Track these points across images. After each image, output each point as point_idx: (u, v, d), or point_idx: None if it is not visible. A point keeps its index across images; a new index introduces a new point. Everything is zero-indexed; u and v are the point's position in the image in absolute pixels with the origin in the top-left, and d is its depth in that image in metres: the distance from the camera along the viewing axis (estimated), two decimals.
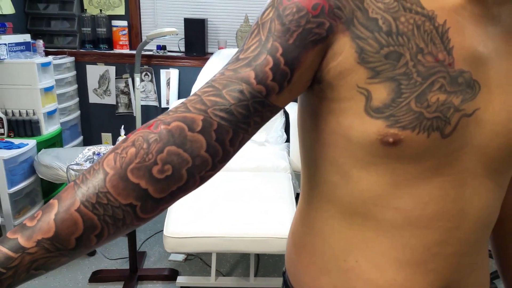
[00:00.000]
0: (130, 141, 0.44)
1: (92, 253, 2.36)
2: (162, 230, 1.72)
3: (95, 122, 3.26)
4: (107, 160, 0.43)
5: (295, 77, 0.48)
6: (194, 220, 1.72)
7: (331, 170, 0.55)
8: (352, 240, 0.55)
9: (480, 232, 0.54)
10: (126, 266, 2.24)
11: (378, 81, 0.47)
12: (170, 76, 3.09)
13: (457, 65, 0.48)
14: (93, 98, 3.19)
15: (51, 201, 0.43)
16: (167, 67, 3.09)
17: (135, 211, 0.43)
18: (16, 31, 2.73)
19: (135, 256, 2.13)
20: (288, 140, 2.71)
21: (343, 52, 0.48)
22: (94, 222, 0.42)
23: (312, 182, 0.59)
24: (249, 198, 1.92)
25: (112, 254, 2.38)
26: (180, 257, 2.36)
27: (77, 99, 3.12)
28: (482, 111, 0.50)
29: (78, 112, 3.15)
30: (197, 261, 2.36)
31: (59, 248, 0.41)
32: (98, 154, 2.16)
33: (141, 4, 3.06)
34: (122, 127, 2.27)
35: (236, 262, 2.36)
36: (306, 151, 0.59)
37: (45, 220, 0.41)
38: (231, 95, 0.46)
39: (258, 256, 2.37)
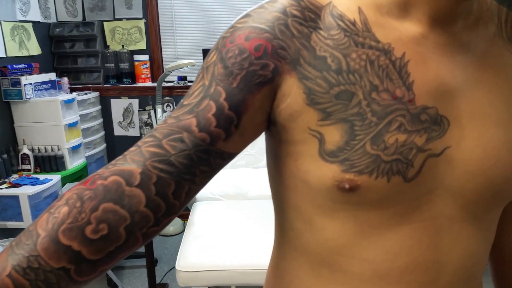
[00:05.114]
0: (64, 199, 0.42)
1: (114, 287, 2.36)
2: None
3: (120, 154, 3.32)
4: (41, 221, 0.42)
5: (243, 121, 0.45)
6: (207, 253, 1.68)
7: (295, 216, 0.51)
8: None
9: (462, 285, 0.48)
10: None
11: (330, 122, 0.44)
12: None
13: (419, 101, 0.44)
14: (118, 131, 3.26)
15: None
16: None
17: (69, 275, 0.41)
18: (43, 70, 2.85)
19: None
20: None
21: (291, 94, 0.44)
22: None
23: (281, 228, 0.55)
24: (265, 228, 1.87)
25: (134, 287, 2.37)
26: None
27: (102, 133, 3.20)
28: (454, 149, 0.45)
29: (104, 145, 3.23)
30: None
31: None
32: None
33: (161, 38, 3.14)
34: None
35: None
36: (273, 195, 0.56)
37: None
38: (171, 144, 0.43)
39: None
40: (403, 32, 0.45)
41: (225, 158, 0.46)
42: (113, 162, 0.44)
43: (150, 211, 0.43)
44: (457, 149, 0.45)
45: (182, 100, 0.47)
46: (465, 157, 0.45)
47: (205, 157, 0.44)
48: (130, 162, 0.43)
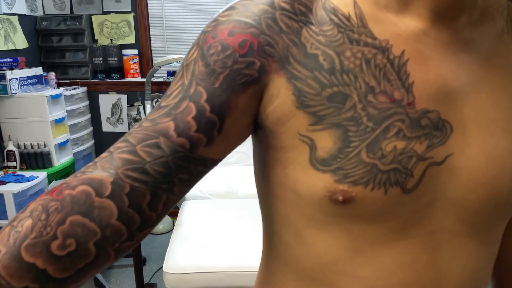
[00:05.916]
0: (28, 211, 0.38)
1: (101, 287, 2.31)
2: None
3: None
4: (2, 235, 0.37)
5: (227, 125, 0.41)
6: (196, 254, 1.64)
7: (284, 228, 0.47)
8: None
9: None
10: None
11: (322, 128, 0.40)
12: None
13: (420, 105, 0.40)
14: (106, 127, 3.20)
15: None
16: None
17: None
18: (29, 65, 2.78)
19: None
20: None
21: (279, 95, 0.41)
22: None
23: (269, 240, 0.51)
24: (256, 228, 1.84)
25: (122, 287, 2.33)
26: None
27: (90, 129, 3.13)
28: (457, 157, 0.41)
29: (92, 142, 3.16)
30: None
31: None
32: None
33: (151, 32, 3.08)
34: None
35: None
36: (261, 205, 0.52)
37: None
38: (146, 151, 0.39)
39: None
40: (402, 28, 0.41)
41: (207, 165, 0.42)
42: (82, 169, 0.40)
43: (123, 225, 0.38)
44: (460, 157, 0.41)
45: (159, 101, 0.43)
46: (469, 165, 0.41)
47: (185, 165, 0.40)
48: (101, 170, 0.39)
